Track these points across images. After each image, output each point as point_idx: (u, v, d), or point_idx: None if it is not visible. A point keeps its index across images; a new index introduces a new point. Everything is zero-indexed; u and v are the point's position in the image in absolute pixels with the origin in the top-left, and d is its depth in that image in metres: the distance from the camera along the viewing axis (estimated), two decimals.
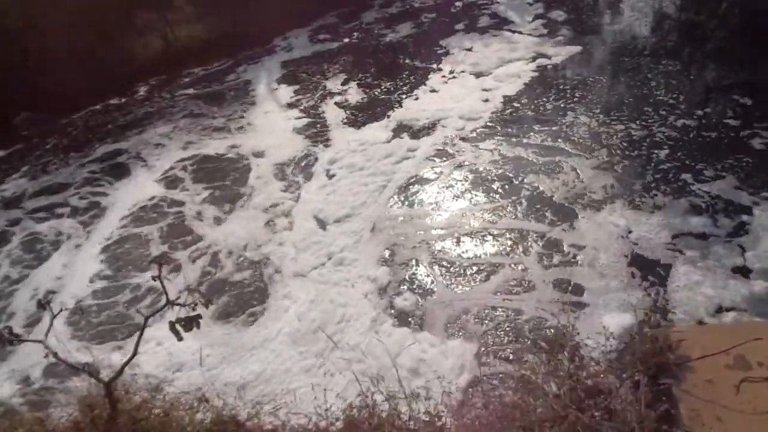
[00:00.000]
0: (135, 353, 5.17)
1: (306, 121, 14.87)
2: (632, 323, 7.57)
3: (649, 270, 8.62)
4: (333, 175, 12.37)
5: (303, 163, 13.07)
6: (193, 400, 5.84)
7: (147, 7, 19.24)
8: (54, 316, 5.14)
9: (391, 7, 21.23)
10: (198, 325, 5.11)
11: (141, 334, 5.20)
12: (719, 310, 7.70)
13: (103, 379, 5.12)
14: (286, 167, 13.03)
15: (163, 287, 5.10)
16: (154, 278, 5.06)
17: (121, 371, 5.15)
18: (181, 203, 12.53)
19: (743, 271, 8.24)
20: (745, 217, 9.06)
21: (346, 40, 19.31)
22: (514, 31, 17.31)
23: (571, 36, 16.45)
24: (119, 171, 14.42)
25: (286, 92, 16.66)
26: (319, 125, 14.55)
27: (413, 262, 9.71)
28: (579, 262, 9.01)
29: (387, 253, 9.98)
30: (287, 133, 14.47)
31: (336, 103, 15.42)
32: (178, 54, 19.00)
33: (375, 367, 7.62)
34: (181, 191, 13.03)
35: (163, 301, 5.05)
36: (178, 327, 4.99)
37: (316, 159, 13.07)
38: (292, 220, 11.24)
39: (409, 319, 8.64)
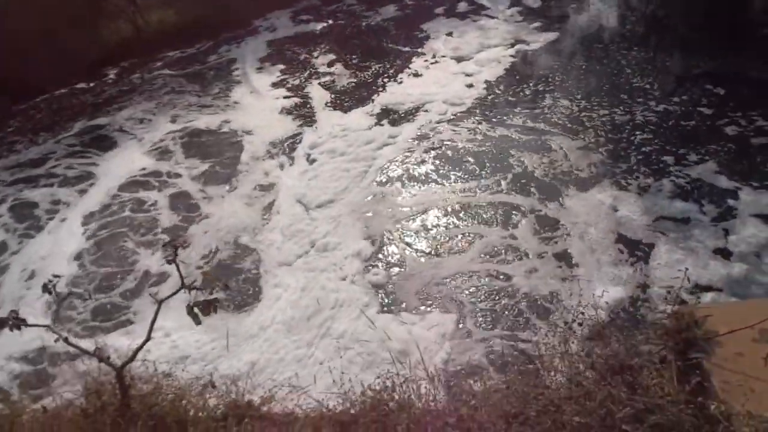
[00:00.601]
0: (148, 338, 4.83)
1: (292, 101, 14.36)
2: (624, 297, 7.85)
3: (634, 247, 8.68)
4: (314, 160, 11.99)
5: (289, 144, 12.61)
6: (203, 386, 5.54)
7: None
8: (61, 300, 4.76)
9: None
10: (215, 309, 4.81)
11: (154, 319, 4.86)
12: (696, 288, 7.74)
13: (115, 364, 4.77)
14: (274, 148, 12.57)
15: (179, 271, 4.76)
16: (168, 261, 4.72)
17: (133, 357, 4.79)
18: (171, 178, 12.04)
19: (724, 253, 8.31)
20: (730, 202, 9.11)
21: (330, 21, 18.69)
22: (491, 17, 17.16)
23: (547, 23, 16.35)
24: (104, 143, 13.67)
25: (270, 73, 16.06)
26: (304, 106, 14.07)
27: (397, 242, 9.54)
28: (570, 234, 9.04)
29: (372, 235, 9.73)
30: (274, 113, 13.97)
31: (321, 84, 14.95)
32: (150, 39, 17.96)
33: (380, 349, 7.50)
34: (175, 164, 12.55)
35: (170, 284, 4.72)
36: (196, 310, 4.69)
37: (302, 141, 12.63)
38: (278, 206, 10.84)
39: (402, 300, 8.44)
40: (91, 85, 16.73)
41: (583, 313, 5.42)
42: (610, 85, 12.94)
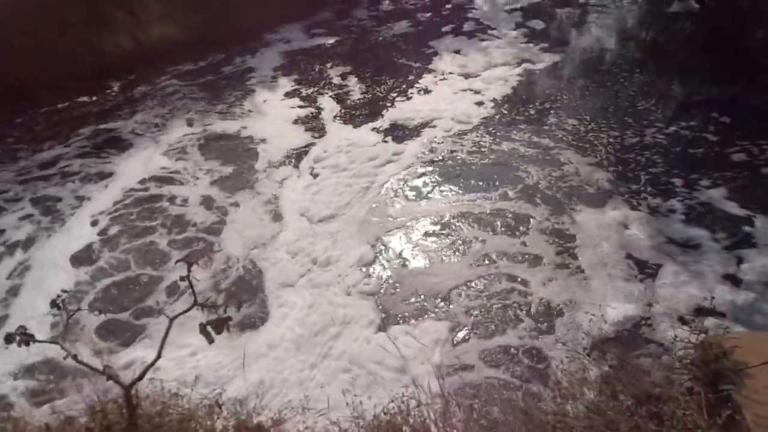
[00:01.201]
0: (158, 356, 4.57)
1: (305, 112, 14.13)
2: (636, 315, 7.59)
3: (643, 264, 8.48)
4: (318, 174, 11.70)
5: (300, 155, 12.36)
6: (211, 406, 5.27)
7: (116, 6, 17.11)
8: (69, 316, 4.51)
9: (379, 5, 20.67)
10: (228, 328, 4.57)
11: (165, 337, 4.59)
12: (699, 311, 7.52)
13: (124, 382, 4.51)
14: (287, 158, 12.31)
15: (192, 288, 4.52)
16: (182, 278, 4.48)
17: (142, 375, 4.52)
18: (184, 184, 11.73)
19: (734, 280, 8.04)
20: (744, 229, 8.89)
21: (341, 36, 18.48)
22: (497, 37, 17.10)
23: (550, 45, 16.26)
24: (119, 145, 13.34)
25: (283, 85, 15.86)
26: (315, 118, 13.81)
27: (402, 254, 9.28)
28: (579, 245, 8.93)
29: (377, 247, 9.48)
30: (287, 122, 13.70)
31: (332, 97, 14.71)
32: (151, 53, 17.19)
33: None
34: (194, 165, 12.30)
35: (182, 301, 4.48)
36: (209, 329, 4.45)
37: (309, 153, 12.40)
38: (287, 219, 10.54)
39: (408, 316, 8.12)
40: (94, 98, 15.91)
41: (598, 335, 5.20)
42: (615, 106, 12.77)
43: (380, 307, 8.31)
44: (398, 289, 8.61)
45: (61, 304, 4.49)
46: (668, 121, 11.87)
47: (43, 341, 4.26)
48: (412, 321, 8.04)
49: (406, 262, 9.10)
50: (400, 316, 8.16)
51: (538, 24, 18.04)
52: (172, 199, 11.21)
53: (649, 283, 8.18)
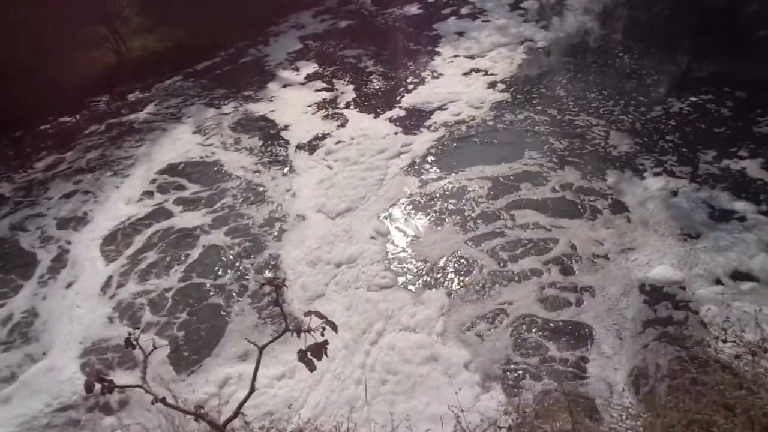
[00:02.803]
0: (252, 390, 3.88)
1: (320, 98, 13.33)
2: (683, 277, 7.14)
3: (687, 229, 7.89)
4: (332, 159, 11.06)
5: (319, 142, 11.62)
6: None
7: (96, 21, 15.61)
8: (147, 356, 3.79)
9: None
10: (326, 353, 3.90)
11: (257, 367, 3.91)
12: (736, 275, 7.08)
13: (216, 421, 3.83)
14: (309, 147, 11.58)
15: (283, 312, 3.80)
16: (273, 303, 3.79)
17: (237, 412, 3.80)
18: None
19: None
20: None
21: (350, 21, 17.53)
22: (496, 18, 16.13)
23: (549, 23, 15.38)
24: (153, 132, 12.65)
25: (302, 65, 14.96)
26: (332, 105, 13.04)
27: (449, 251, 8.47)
28: (628, 207, 8.49)
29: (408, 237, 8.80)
30: (305, 109, 12.99)
31: (346, 84, 13.86)
32: (132, 65, 15.65)
33: None
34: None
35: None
36: (311, 357, 3.77)
37: (334, 141, 11.62)
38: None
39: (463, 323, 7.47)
40: (78, 115, 14.35)
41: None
42: (622, 80, 11.98)
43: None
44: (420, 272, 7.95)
45: (135, 343, 3.76)
46: (682, 95, 10.95)
47: (126, 386, 3.55)
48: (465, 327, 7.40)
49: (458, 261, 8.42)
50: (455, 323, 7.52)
51: (533, 4, 17.13)
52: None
53: (692, 244, 7.62)
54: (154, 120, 13.35)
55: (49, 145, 12.99)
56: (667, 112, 10.51)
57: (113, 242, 9.72)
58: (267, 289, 3.89)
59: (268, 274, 8.29)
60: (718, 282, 7.10)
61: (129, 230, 9.96)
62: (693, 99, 10.70)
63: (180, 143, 12.17)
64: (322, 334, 3.85)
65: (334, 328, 3.91)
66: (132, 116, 13.59)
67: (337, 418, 6.10)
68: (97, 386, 3.49)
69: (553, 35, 14.69)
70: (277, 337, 3.90)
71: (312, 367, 3.80)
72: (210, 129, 12.60)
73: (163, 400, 3.63)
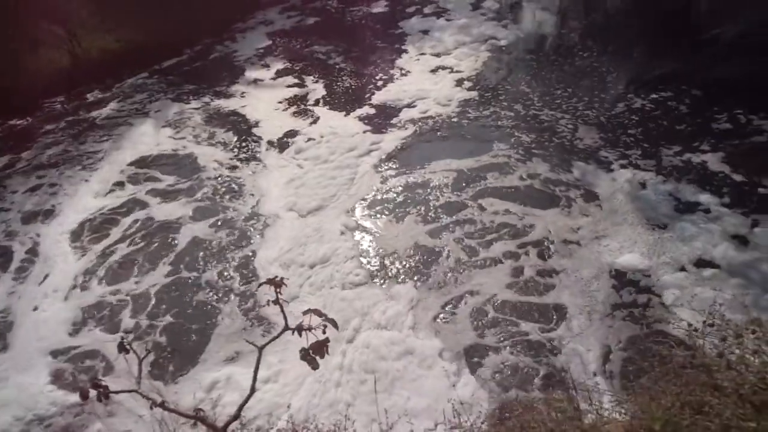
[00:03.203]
0: (252, 391, 3.76)
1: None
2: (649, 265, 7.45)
3: (655, 220, 8.21)
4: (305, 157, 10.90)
5: (289, 140, 11.39)
6: None
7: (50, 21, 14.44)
8: (141, 360, 3.62)
9: None
10: (327, 351, 3.82)
11: (257, 368, 3.79)
12: (699, 263, 7.43)
13: (217, 425, 3.70)
14: (280, 144, 11.31)
15: (283, 311, 3.71)
16: (271, 302, 3.68)
17: (238, 414, 3.67)
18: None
19: (743, 240, 7.68)
20: (754, 196, 8.41)
21: (317, 18, 17.22)
22: (458, 17, 16.23)
23: (510, 22, 15.64)
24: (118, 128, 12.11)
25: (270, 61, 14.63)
26: (302, 101, 12.81)
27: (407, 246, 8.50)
28: (599, 196, 8.80)
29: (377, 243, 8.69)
30: (275, 106, 12.72)
31: (316, 81, 13.64)
32: (90, 66, 14.60)
33: None
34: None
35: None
36: (313, 355, 3.68)
37: (304, 138, 11.41)
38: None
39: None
40: (31, 117, 13.43)
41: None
42: (583, 78, 12.34)
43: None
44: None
45: (129, 347, 3.59)
46: (642, 92, 11.32)
47: (121, 391, 3.37)
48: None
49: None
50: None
51: (493, 4, 17.28)
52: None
53: (659, 233, 7.93)
54: (118, 116, 12.75)
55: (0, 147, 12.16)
56: (629, 108, 10.87)
57: (82, 235, 9.29)
58: (266, 287, 3.79)
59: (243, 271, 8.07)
60: (683, 269, 7.41)
61: (100, 222, 9.54)
62: (653, 96, 11.09)
63: (149, 137, 11.68)
64: (324, 332, 3.78)
65: (335, 325, 3.84)
66: (93, 113, 12.94)
67: (322, 421, 6.00)
68: (92, 392, 3.33)
69: (515, 34, 14.93)
70: (277, 336, 3.79)
71: (315, 365, 3.72)
72: (179, 123, 12.17)
73: (162, 405, 3.48)
